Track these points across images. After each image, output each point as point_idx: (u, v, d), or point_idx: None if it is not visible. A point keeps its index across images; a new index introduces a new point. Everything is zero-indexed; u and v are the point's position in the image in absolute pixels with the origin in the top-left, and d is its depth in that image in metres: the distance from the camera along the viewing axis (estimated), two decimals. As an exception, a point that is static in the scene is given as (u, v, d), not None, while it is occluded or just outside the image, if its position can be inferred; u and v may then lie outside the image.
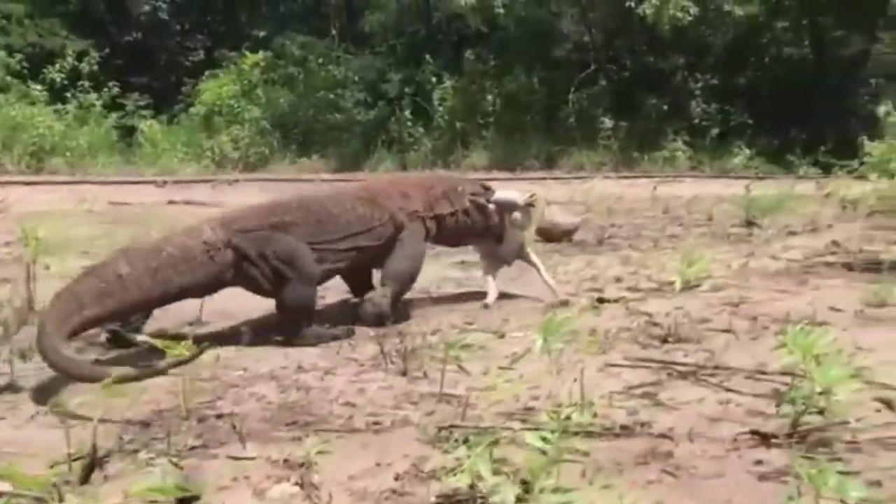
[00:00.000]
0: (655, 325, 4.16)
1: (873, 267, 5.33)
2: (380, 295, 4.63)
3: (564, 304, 4.79)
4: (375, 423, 2.94)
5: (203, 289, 4.31)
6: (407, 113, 18.00)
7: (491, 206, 5.22)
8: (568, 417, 2.75)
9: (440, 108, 18.08)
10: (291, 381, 3.50)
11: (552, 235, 7.29)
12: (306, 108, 19.31)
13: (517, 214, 5.23)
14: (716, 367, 3.46)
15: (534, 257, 5.28)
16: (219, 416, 3.10)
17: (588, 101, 17.62)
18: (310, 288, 4.37)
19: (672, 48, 18.71)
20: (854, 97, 19.08)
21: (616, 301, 4.78)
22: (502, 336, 4.08)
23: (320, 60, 20.46)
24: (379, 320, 4.49)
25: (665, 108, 17.22)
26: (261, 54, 19.76)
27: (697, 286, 5.02)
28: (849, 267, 5.59)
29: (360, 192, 4.98)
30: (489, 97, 17.85)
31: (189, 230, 4.38)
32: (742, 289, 5.01)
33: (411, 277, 4.86)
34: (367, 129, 18.55)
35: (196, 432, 2.96)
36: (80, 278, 3.93)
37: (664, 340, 3.90)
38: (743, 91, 19.11)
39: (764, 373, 3.21)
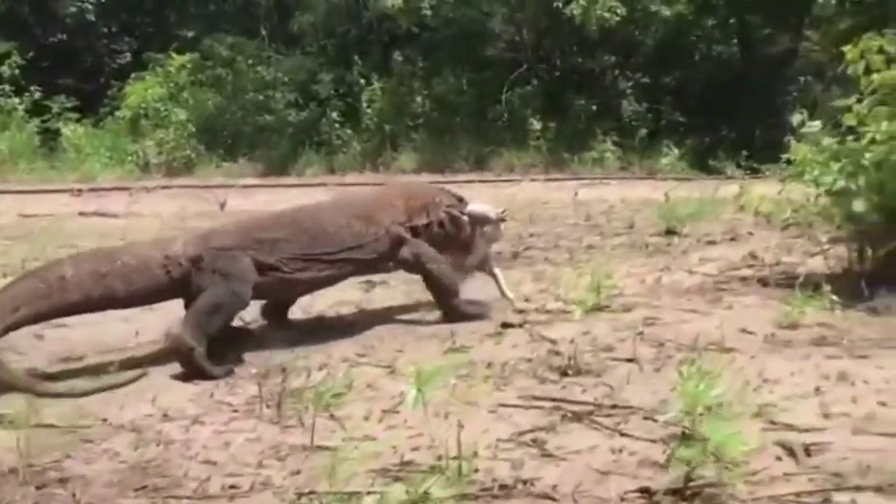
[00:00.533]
0: (557, 353, 3.95)
1: (789, 281, 5.18)
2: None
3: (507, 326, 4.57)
4: (232, 487, 2.67)
5: (145, 300, 4.38)
6: (335, 115, 17.68)
7: (464, 218, 5.18)
8: (444, 473, 2.52)
9: (369, 110, 17.77)
10: (153, 433, 3.20)
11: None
12: (234, 110, 18.89)
13: (489, 227, 5.29)
14: (613, 406, 3.25)
15: (496, 269, 5.29)
16: (62, 481, 2.79)
17: (518, 102, 17.45)
18: (224, 310, 4.25)
19: (601, 48, 18.67)
20: (782, 95, 19.23)
21: (520, 326, 4.55)
22: (392, 371, 3.82)
23: (250, 61, 20.02)
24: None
25: (594, 108, 17.11)
26: (188, 56, 19.22)
27: (607, 306, 4.83)
28: (764, 282, 5.45)
29: (355, 208, 4.98)
30: (418, 98, 17.59)
31: (157, 242, 4.59)
32: (652, 308, 4.83)
33: None
34: (296, 131, 18.22)
35: (32, 502, 2.65)
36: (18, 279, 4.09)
37: (564, 373, 3.68)
38: (672, 90, 19.16)
39: (657, 419, 2.99)
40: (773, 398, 3.27)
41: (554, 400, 3.33)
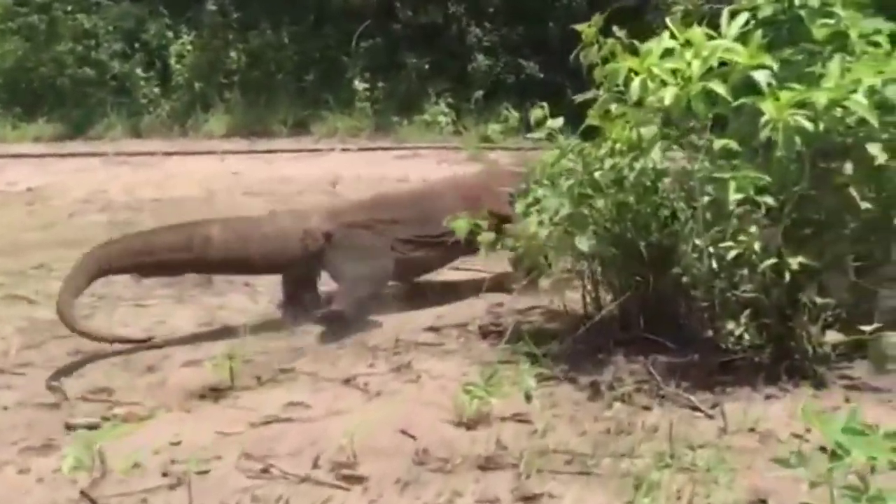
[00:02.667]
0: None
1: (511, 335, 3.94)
2: None
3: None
4: None
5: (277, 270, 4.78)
6: (139, 71, 15.77)
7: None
8: None
9: (178, 66, 15.90)
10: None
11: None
12: (44, 62, 16.61)
13: None
14: None
15: None
16: None
17: (345, 59, 15.83)
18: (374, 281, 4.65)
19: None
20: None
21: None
22: None
23: (69, 8, 17.71)
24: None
25: (426, 66, 15.61)
26: (-1, 1, 16.85)
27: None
28: (485, 331, 4.20)
29: (463, 190, 5.03)
30: (232, 54, 15.79)
31: (295, 214, 4.93)
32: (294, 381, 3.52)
33: None
34: (101, 90, 16.18)
35: None
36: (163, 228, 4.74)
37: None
38: (524, 45, 17.67)
39: None
40: None
41: None
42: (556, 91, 15.29)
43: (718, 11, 4.06)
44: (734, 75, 3.57)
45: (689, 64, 3.54)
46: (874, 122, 3.42)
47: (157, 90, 15.88)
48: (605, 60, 3.97)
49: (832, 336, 3.55)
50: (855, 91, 3.51)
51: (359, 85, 15.10)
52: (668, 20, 3.79)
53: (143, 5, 17.68)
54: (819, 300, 3.56)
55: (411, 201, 5.03)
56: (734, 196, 3.46)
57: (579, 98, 4.17)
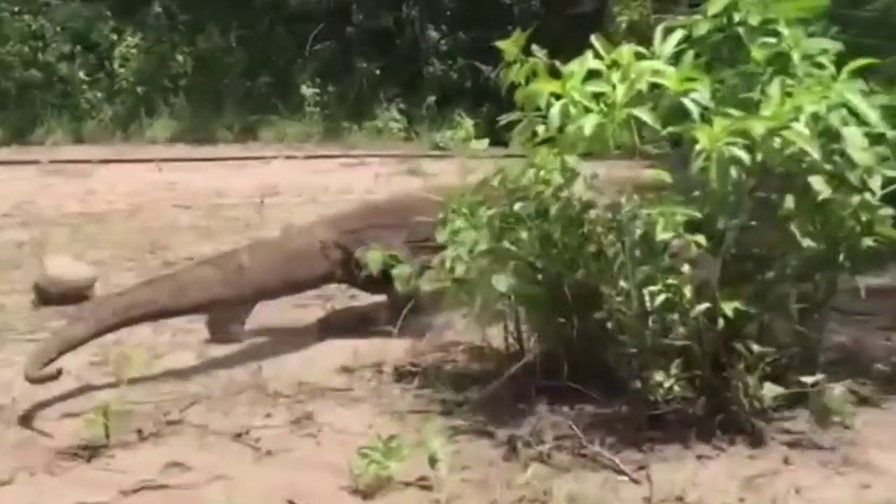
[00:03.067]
0: None
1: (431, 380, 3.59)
2: None
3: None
4: None
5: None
6: (82, 74, 15.24)
7: None
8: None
9: (122, 70, 15.37)
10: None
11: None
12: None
13: None
14: None
15: None
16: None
17: (294, 64, 15.40)
18: None
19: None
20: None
21: None
22: None
23: (16, 8, 17.08)
24: None
25: (377, 71, 15.23)
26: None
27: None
28: (400, 372, 3.85)
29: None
30: (179, 58, 15.29)
31: (302, 230, 4.91)
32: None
33: None
34: (47, 93, 15.57)
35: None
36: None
37: None
38: (473, 50, 17.37)
39: None
40: None
41: None
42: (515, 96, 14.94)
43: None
44: (664, 101, 3.24)
45: (614, 87, 3.20)
46: (815, 154, 3.10)
47: (100, 94, 15.34)
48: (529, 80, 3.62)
49: (771, 389, 3.22)
50: (796, 119, 3.20)
51: (307, 90, 14.70)
52: (593, 38, 3.44)
53: (93, 5, 17.13)
54: (757, 348, 3.23)
55: (407, 206, 4.83)
56: (662, 235, 3.13)
57: (503, 120, 3.82)
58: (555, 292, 3.59)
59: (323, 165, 11.61)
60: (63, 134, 15.02)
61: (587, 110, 3.21)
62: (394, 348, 4.35)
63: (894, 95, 3.60)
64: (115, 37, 15.62)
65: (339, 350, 4.38)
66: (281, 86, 15.24)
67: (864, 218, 3.39)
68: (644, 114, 3.13)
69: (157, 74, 15.30)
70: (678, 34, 3.56)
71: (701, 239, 3.17)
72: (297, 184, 9.75)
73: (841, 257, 3.49)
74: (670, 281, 3.16)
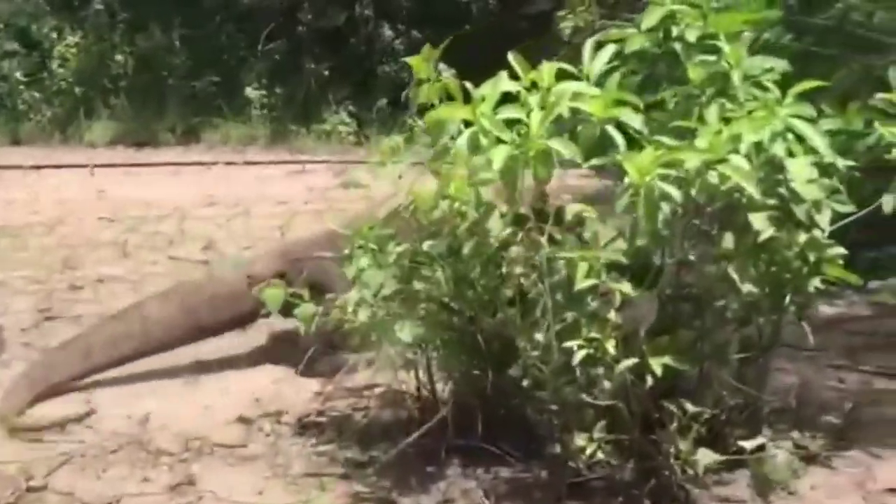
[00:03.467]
0: None
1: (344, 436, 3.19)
2: None
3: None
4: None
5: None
6: (19, 75, 14.63)
7: None
8: None
9: (61, 70, 14.77)
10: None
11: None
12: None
13: None
14: None
15: None
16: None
17: (243, 64, 14.90)
18: None
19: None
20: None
21: None
22: None
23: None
24: None
25: (326, 72, 14.78)
26: None
27: None
28: (303, 423, 3.45)
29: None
30: (119, 57, 14.73)
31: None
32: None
33: None
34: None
35: None
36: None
37: None
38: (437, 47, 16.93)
39: None
40: None
41: None
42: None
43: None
44: (587, 129, 2.85)
45: (529, 114, 2.82)
46: (755, 192, 2.74)
47: (38, 95, 14.73)
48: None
49: (705, 454, 2.85)
50: (735, 150, 2.84)
51: (252, 92, 14.20)
52: (510, 56, 3.05)
53: (34, 2, 16.50)
54: (691, 408, 2.86)
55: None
56: (583, 283, 2.75)
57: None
58: (469, 339, 3.20)
59: (264, 171, 11.14)
60: (0, 135, 14.43)
61: (499, 140, 2.82)
62: (302, 389, 3.95)
63: (847, 118, 3.28)
64: (55, 35, 15.01)
65: (243, 392, 3.96)
66: (227, 87, 14.71)
67: (811, 258, 3.04)
68: (561, 145, 2.73)
69: (97, 74, 14.71)
70: (610, 49, 3.19)
71: (626, 287, 2.79)
72: (232, 193, 9.28)
73: (787, 300, 3.14)
74: (592, 334, 2.78)
